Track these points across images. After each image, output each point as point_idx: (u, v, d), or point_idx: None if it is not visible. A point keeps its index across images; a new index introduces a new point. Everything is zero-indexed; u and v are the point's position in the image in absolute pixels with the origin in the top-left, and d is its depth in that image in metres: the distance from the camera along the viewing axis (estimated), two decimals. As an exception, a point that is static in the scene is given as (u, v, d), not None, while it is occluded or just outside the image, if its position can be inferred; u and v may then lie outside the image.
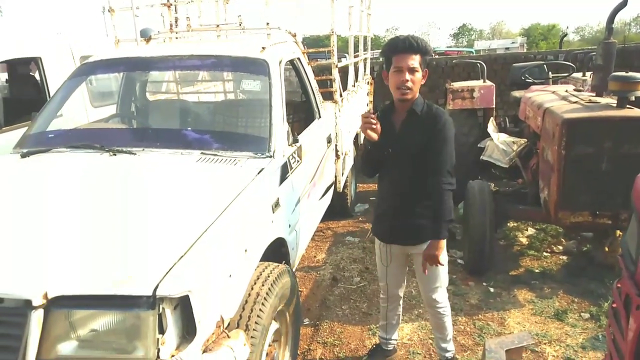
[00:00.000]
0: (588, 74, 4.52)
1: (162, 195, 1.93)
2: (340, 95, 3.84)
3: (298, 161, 2.69)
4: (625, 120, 2.88)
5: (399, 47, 2.02)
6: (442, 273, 2.29)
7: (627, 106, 2.97)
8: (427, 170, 2.10)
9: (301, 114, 3.98)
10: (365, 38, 5.55)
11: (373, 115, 2.03)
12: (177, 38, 3.80)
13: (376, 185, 2.38)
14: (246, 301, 1.84)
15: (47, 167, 2.31)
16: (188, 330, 1.49)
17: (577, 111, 3.04)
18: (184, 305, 1.47)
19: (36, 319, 1.36)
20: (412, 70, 2.01)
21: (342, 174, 3.92)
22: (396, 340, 2.67)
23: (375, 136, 2.03)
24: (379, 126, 2.03)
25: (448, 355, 2.48)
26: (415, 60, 2.01)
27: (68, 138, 2.66)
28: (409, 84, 2.02)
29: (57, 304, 1.39)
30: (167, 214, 1.78)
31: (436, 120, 2.09)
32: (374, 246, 2.51)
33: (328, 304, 3.27)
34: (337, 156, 3.76)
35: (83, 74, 3.17)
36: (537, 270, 3.62)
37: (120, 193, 1.95)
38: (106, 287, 1.40)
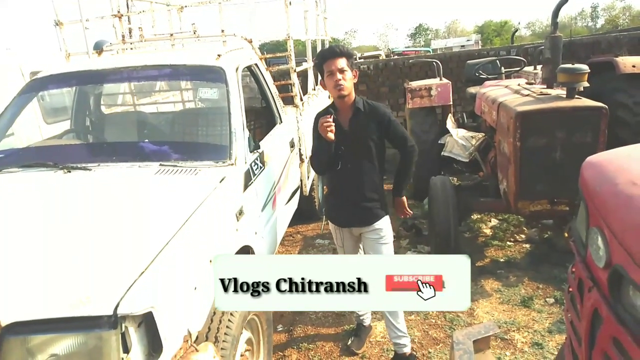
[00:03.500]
0: (539, 67, 4.68)
1: (119, 211, 1.87)
2: (301, 99, 3.84)
3: (261, 167, 2.67)
4: (575, 110, 2.99)
5: (326, 55, 2.35)
6: (389, 251, 2.51)
7: (576, 96, 3.09)
8: (375, 161, 2.43)
9: (262, 120, 3.96)
10: (323, 42, 5.58)
11: (330, 118, 2.28)
12: (130, 49, 3.72)
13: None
14: (214, 312, 1.81)
15: (-3, 189, 2.21)
16: (154, 348, 1.45)
17: (529, 104, 3.14)
18: (148, 322, 1.43)
19: (-10, 348, 1.30)
20: (342, 71, 2.30)
21: (308, 177, 3.92)
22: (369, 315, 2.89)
23: (332, 136, 2.29)
24: (334, 127, 2.28)
25: (405, 350, 2.55)
26: (342, 63, 2.30)
27: (19, 157, 2.56)
28: (342, 82, 2.30)
29: (12, 331, 1.33)
30: (126, 229, 1.73)
31: (379, 112, 2.42)
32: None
33: (300, 309, 3.26)
34: (302, 160, 3.76)
35: (33, 90, 3.04)
36: (502, 260, 3.71)
37: (74, 211, 1.88)
38: (64, 309, 1.35)
